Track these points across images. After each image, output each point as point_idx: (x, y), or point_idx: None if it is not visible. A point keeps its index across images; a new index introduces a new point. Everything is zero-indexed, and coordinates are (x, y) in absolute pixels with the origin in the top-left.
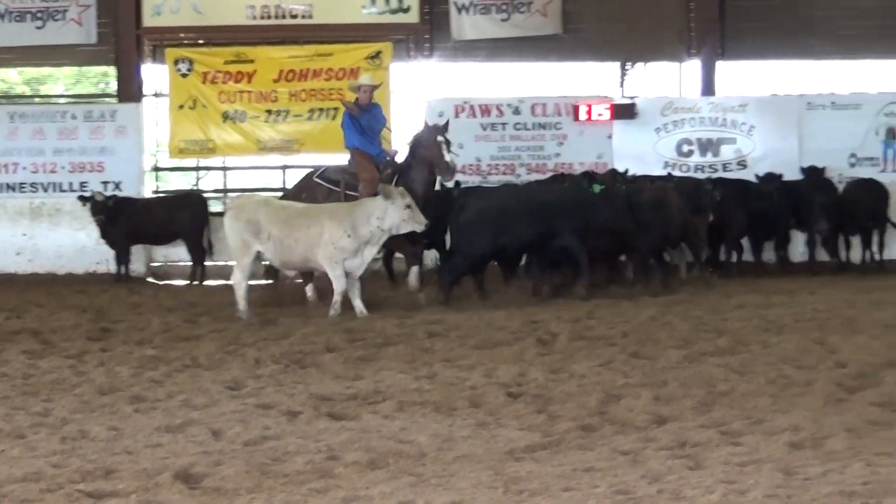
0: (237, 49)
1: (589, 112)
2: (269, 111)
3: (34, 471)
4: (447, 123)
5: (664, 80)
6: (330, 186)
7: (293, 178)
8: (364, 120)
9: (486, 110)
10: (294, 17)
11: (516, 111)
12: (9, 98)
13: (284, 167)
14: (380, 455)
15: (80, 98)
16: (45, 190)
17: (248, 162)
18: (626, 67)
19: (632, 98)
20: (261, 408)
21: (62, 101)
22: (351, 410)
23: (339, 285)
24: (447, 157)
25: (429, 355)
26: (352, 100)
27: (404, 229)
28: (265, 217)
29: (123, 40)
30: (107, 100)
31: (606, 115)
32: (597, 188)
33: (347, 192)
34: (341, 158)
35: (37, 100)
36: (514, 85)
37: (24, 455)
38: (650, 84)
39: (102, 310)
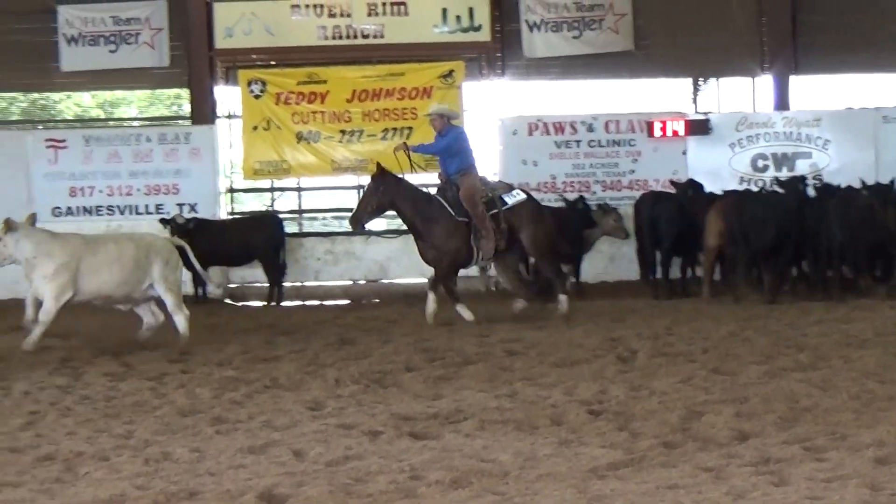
0: (309, 70)
1: (663, 128)
2: (342, 131)
3: (118, 493)
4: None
5: (737, 95)
6: None
7: None
8: (440, 143)
9: (559, 128)
10: (366, 36)
11: (590, 128)
12: (83, 122)
13: (359, 187)
14: (462, 474)
15: (153, 121)
16: (122, 212)
17: (323, 182)
18: (699, 83)
19: (705, 114)
20: (342, 428)
21: (136, 123)
22: (433, 430)
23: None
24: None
25: (508, 374)
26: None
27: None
28: None
29: (196, 62)
30: (180, 122)
31: (681, 130)
32: None
33: None
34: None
35: (111, 123)
36: (588, 102)
37: (108, 477)
38: (723, 99)
39: None
